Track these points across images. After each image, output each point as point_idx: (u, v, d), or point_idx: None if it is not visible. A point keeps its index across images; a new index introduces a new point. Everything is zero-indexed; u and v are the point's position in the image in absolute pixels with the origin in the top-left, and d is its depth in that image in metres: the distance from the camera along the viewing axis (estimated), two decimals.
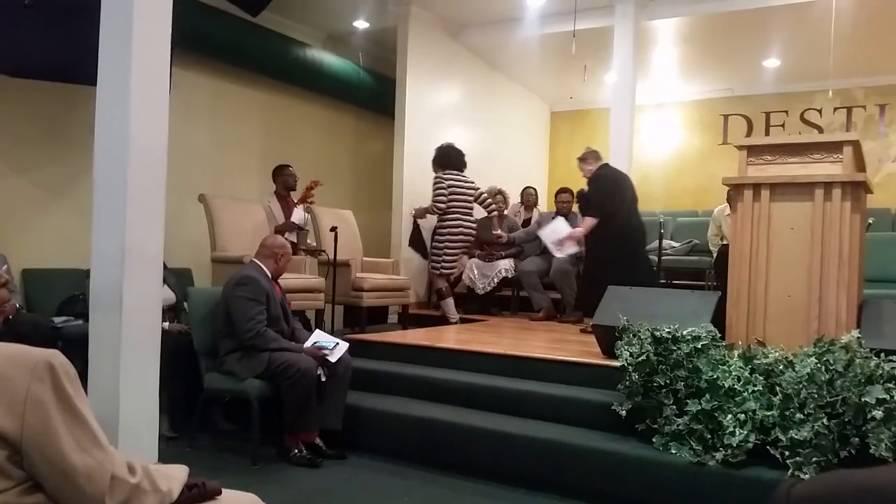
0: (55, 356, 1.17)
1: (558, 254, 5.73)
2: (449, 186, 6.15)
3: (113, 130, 3.17)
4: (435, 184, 6.21)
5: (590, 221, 5.28)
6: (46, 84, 5.01)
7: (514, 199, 7.73)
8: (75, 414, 1.17)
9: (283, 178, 5.72)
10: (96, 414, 1.24)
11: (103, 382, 3.04)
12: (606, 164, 5.59)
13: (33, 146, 5.17)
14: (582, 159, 5.62)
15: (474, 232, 6.38)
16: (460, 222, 6.21)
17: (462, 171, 6.34)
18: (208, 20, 5.99)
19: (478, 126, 8.30)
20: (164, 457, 3.34)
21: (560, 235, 5.65)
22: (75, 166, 5.14)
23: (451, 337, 5.05)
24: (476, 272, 6.63)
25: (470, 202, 6.32)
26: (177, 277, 4.74)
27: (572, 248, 5.66)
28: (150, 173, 3.22)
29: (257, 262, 3.99)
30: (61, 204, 5.23)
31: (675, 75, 8.66)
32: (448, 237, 6.18)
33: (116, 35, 3.16)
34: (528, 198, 7.54)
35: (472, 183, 6.42)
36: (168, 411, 3.99)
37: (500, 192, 6.97)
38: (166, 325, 4.10)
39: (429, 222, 6.66)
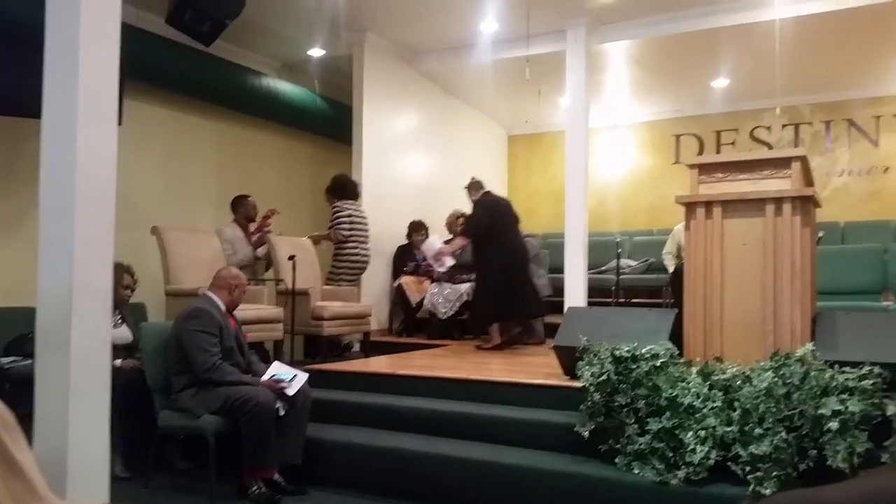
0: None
1: (438, 267, 6.36)
2: (349, 215, 6.25)
3: (59, 164, 3.08)
4: (335, 212, 6.27)
5: (460, 241, 6.13)
6: None
7: None
8: (11, 464, 1.11)
9: (243, 209, 5.68)
10: (43, 457, 1.19)
11: (51, 424, 2.92)
12: (488, 192, 6.14)
13: None
14: (467, 188, 6.22)
15: (369, 259, 6.46)
16: (358, 250, 6.31)
17: (356, 201, 6.45)
18: (160, 50, 5.92)
19: (435, 151, 8.34)
20: (119, 498, 3.22)
21: (435, 251, 6.35)
22: (22, 201, 4.99)
23: (414, 363, 5.01)
24: (438, 297, 6.61)
25: (366, 231, 6.44)
26: (133, 314, 4.62)
27: (450, 261, 6.30)
28: (99, 207, 3.14)
29: (210, 294, 3.91)
30: (8, 240, 5.08)
31: (628, 97, 8.83)
32: (346, 264, 6.27)
33: (62, 66, 3.09)
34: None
35: (365, 212, 6.55)
36: (122, 451, 3.86)
37: (462, 215, 6.99)
38: (118, 362, 3.99)
39: None
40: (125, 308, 4.48)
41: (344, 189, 6.39)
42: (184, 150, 6.60)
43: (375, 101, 7.22)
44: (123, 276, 4.42)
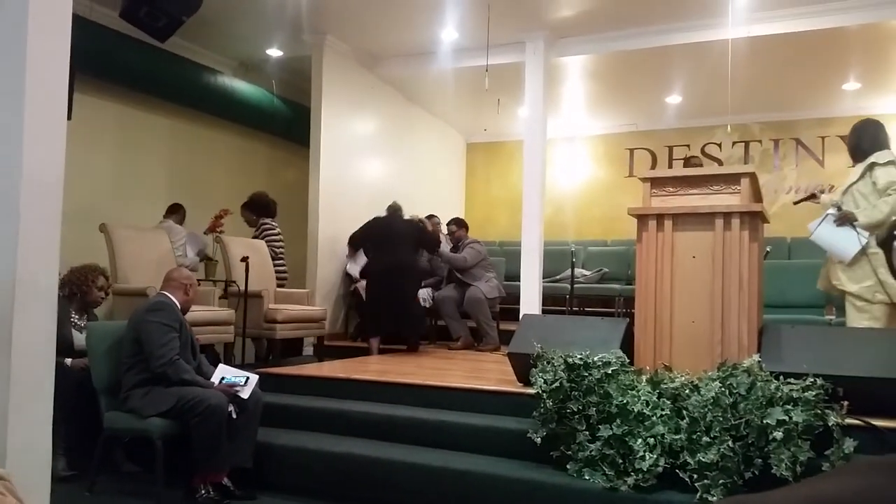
0: None
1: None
2: (278, 233, 6.36)
3: (4, 158, 2.98)
4: (266, 229, 6.29)
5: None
6: None
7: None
8: None
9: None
10: None
11: None
12: (389, 213, 6.54)
13: None
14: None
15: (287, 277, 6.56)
16: (284, 268, 6.44)
17: (274, 219, 6.55)
18: (114, 45, 5.80)
19: (394, 157, 8.33)
20: (62, 501, 3.12)
21: None
22: None
23: (369, 368, 4.97)
24: None
25: (283, 248, 6.54)
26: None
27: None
28: (45, 202, 3.04)
29: (166, 293, 3.83)
30: None
31: (584, 110, 8.97)
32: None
33: (9, 57, 2.99)
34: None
35: None
36: (66, 451, 3.75)
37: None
38: (69, 361, 3.87)
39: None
40: (93, 314, 4.37)
41: (267, 208, 6.43)
42: (136, 146, 6.46)
43: (334, 104, 7.17)
44: (98, 277, 4.30)
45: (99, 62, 5.61)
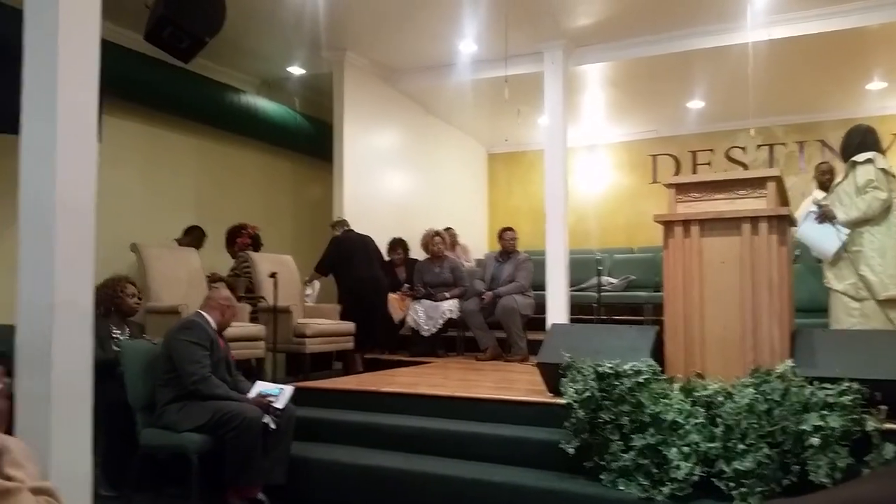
0: None
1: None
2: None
3: (39, 181, 3.06)
4: (245, 262, 6.04)
5: (313, 273, 6.59)
6: None
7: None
8: (4, 491, 1.08)
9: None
10: None
11: (33, 443, 2.85)
12: (346, 231, 6.65)
13: None
14: (331, 226, 6.80)
15: None
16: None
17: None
18: (139, 67, 5.90)
19: (416, 169, 8.38)
20: None
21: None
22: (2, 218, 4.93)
23: (398, 381, 4.98)
24: (421, 314, 6.60)
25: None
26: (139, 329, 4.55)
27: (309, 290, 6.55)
28: (79, 224, 3.11)
29: (203, 313, 3.88)
30: None
31: (605, 118, 8.96)
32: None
33: (41, 83, 3.07)
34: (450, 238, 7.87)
35: None
36: (106, 470, 3.80)
37: (437, 233, 7.01)
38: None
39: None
40: (132, 324, 4.41)
41: (254, 241, 6.35)
42: (163, 166, 6.56)
43: (356, 119, 7.24)
44: (126, 286, 4.35)
45: (125, 84, 5.72)
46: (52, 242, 3.00)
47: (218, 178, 7.10)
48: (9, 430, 1.51)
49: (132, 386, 3.72)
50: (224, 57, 6.83)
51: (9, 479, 1.14)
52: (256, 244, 6.26)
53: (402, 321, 6.75)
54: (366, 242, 6.69)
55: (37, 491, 1.20)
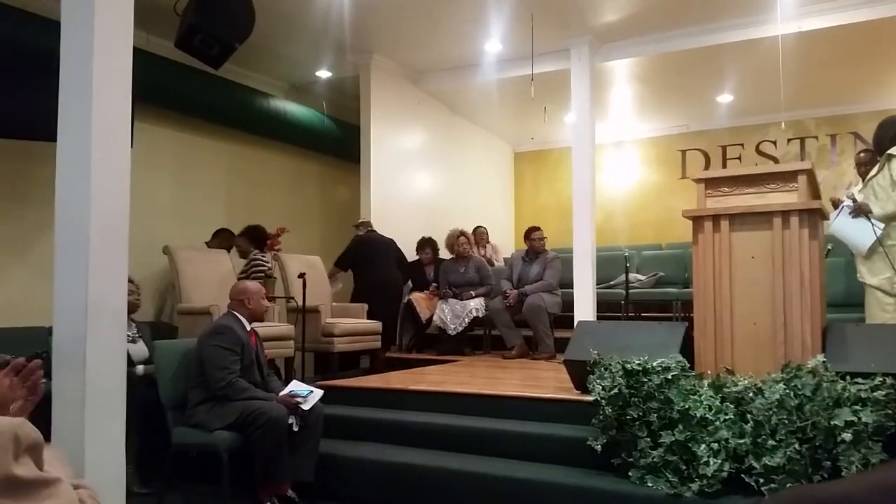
0: (21, 426, 1.12)
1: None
2: (269, 268, 6.12)
3: (74, 186, 3.14)
4: (255, 263, 5.99)
5: (332, 268, 6.72)
6: (3, 141, 4.96)
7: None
8: (40, 484, 1.12)
9: None
10: None
11: (67, 440, 2.95)
12: (369, 231, 6.79)
13: None
14: (355, 226, 6.94)
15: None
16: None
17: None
18: (171, 74, 6.01)
19: (443, 169, 8.40)
20: None
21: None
22: (34, 223, 5.06)
23: (425, 379, 5.01)
24: (447, 313, 6.63)
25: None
26: (147, 330, 4.65)
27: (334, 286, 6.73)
28: (113, 227, 3.19)
29: (232, 311, 3.95)
30: (21, 261, 5.13)
31: (633, 114, 8.89)
32: None
33: (76, 91, 3.15)
34: (480, 237, 7.95)
35: None
36: (138, 467, 3.88)
37: (462, 233, 7.04)
38: (140, 368, 4.02)
39: None
40: (136, 324, 4.50)
41: (262, 240, 6.33)
42: (193, 170, 6.67)
43: (382, 120, 7.30)
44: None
45: (157, 91, 5.83)
46: (87, 246, 3.09)
47: (247, 182, 7.20)
48: None
49: (165, 385, 3.80)
50: (252, 62, 6.93)
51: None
52: (259, 241, 6.22)
53: (429, 320, 6.78)
54: (387, 244, 6.81)
55: (76, 486, 1.23)
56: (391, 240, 6.87)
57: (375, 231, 6.83)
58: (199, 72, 6.02)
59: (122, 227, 3.24)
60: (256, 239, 6.20)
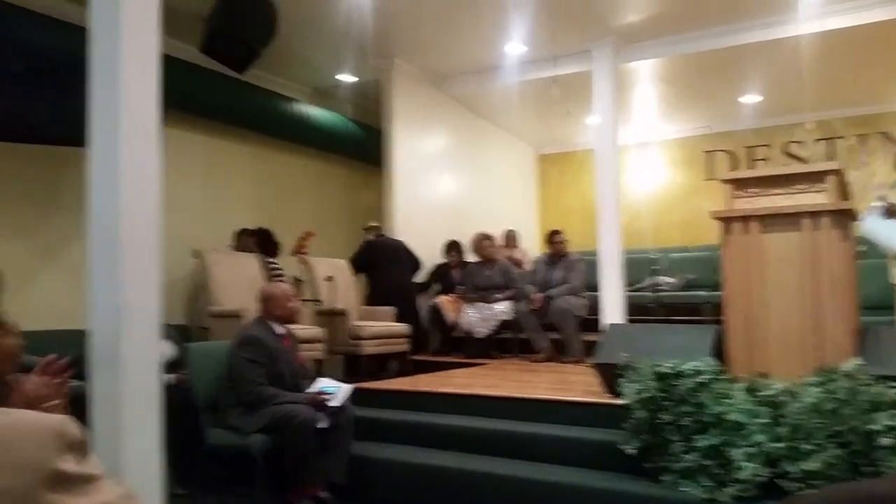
0: (65, 423, 1.14)
1: None
2: (282, 272, 6.15)
3: (106, 192, 3.18)
4: (275, 268, 6.09)
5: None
6: (33, 147, 5.04)
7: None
8: (85, 480, 1.13)
9: None
10: None
11: (106, 442, 2.98)
12: (379, 235, 6.86)
13: (23, 209, 5.17)
14: (364, 229, 7.01)
15: None
16: None
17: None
18: (196, 79, 6.07)
19: (467, 172, 8.41)
20: None
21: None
22: (66, 228, 5.13)
23: (453, 382, 5.01)
24: (474, 316, 6.62)
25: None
26: (177, 332, 4.69)
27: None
28: (145, 232, 3.23)
29: (262, 316, 3.98)
30: (53, 265, 5.20)
31: (656, 115, 8.83)
32: None
33: (106, 98, 3.19)
34: (510, 240, 8.02)
35: None
36: (174, 468, 3.92)
37: (486, 236, 7.03)
38: (172, 377, 4.06)
39: None
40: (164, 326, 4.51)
41: (271, 246, 6.36)
42: (220, 174, 6.74)
43: (405, 124, 7.32)
44: None
45: (183, 96, 5.88)
46: (120, 250, 3.12)
47: (273, 185, 7.26)
48: None
49: (197, 387, 3.84)
50: (276, 67, 6.98)
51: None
52: (266, 246, 6.22)
53: (456, 323, 6.78)
54: (398, 247, 6.82)
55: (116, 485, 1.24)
56: (401, 242, 6.88)
57: (385, 235, 6.87)
58: (225, 77, 6.08)
59: (153, 231, 3.27)
60: (264, 243, 6.20)
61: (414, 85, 7.49)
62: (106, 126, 3.19)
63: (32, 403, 1.61)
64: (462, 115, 8.39)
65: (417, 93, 7.54)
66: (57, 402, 1.68)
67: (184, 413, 3.88)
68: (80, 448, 1.13)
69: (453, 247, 7.26)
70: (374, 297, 6.63)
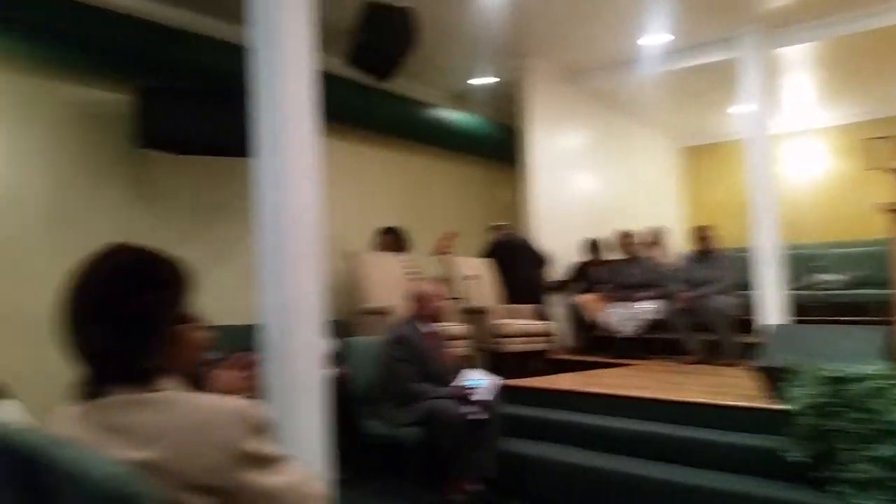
0: (249, 407, 1.25)
1: None
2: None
3: (273, 201, 3.43)
4: (409, 267, 6.00)
5: None
6: (205, 159, 5.49)
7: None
8: (272, 460, 1.23)
9: None
10: None
11: (278, 430, 3.21)
12: (506, 234, 6.88)
13: (197, 216, 5.64)
14: (491, 228, 7.07)
15: None
16: None
17: None
18: (343, 90, 6.36)
19: (604, 168, 8.27)
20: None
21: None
22: (231, 233, 5.56)
23: (600, 382, 4.95)
24: (617, 316, 6.49)
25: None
26: (339, 328, 4.95)
27: None
28: (307, 235, 3.46)
29: (410, 315, 4.13)
30: (224, 267, 5.62)
31: (811, 102, 8.29)
32: None
33: (269, 113, 3.44)
34: (657, 237, 7.64)
35: None
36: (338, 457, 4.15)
37: (630, 234, 6.89)
38: (336, 370, 4.29)
39: None
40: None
41: (402, 243, 6.35)
42: (367, 180, 7.03)
43: (541, 122, 7.31)
44: None
45: (332, 107, 6.17)
46: (286, 253, 3.37)
47: (415, 188, 7.49)
48: None
49: (355, 379, 4.04)
50: (414, 74, 7.17)
51: None
52: (394, 244, 6.30)
53: (598, 323, 6.68)
54: (524, 246, 6.81)
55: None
56: (528, 240, 6.88)
57: (512, 233, 6.89)
58: (368, 87, 6.32)
59: (315, 235, 3.50)
60: (399, 239, 6.30)
61: (549, 82, 7.46)
62: (270, 138, 3.44)
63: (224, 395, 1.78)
64: (599, 110, 8.26)
65: (553, 90, 7.50)
66: (248, 394, 1.83)
67: (343, 404, 4.10)
68: (264, 431, 1.24)
69: (593, 245, 7.17)
70: (504, 294, 6.68)
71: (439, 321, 4.24)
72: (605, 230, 7.36)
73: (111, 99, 5.35)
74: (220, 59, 5.34)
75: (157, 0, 5.43)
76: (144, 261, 1.28)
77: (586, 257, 7.21)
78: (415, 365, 3.92)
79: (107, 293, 1.21)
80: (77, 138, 5.24)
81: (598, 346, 6.83)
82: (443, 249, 5.89)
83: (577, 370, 5.76)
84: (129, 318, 1.21)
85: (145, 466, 1.07)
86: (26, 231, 4.95)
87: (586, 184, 8.00)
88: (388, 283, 5.29)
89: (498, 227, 7.02)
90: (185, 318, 1.31)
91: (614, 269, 6.81)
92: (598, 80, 7.75)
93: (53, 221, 5.06)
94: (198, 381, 1.69)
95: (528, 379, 5.13)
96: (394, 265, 5.61)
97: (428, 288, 4.29)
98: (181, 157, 5.43)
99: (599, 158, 8.19)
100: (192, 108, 5.18)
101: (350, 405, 4.07)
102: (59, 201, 5.13)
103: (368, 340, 4.30)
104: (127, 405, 1.19)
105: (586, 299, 6.77)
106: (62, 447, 1.06)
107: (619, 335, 6.46)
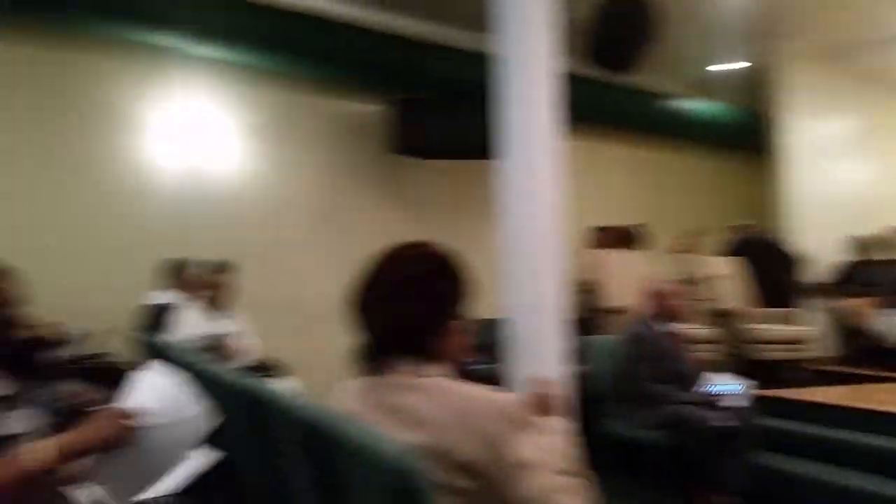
0: (517, 404, 1.26)
1: None
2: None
3: (516, 200, 3.53)
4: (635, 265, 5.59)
5: None
6: (445, 162, 5.80)
7: None
8: (530, 463, 1.24)
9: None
10: None
11: None
12: (753, 233, 6.39)
13: (441, 214, 5.97)
14: (734, 228, 6.59)
15: None
16: None
17: None
18: (577, 87, 6.31)
19: (876, 157, 7.36)
20: None
21: None
22: (474, 231, 5.78)
23: (871, 397, 4.39)
24: (882, 323, 5.75)
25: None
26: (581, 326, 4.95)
27: None
28: (550, 234, 3.52)
29: (649, 314, 4.00)
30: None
31: None
32: None
33: (515, 117, 3.56)
34: None
35: None
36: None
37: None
38: (579, 367, 4.31)
39: None
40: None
41: (627, 240, 5.94)
42: (601, 176, 6.94)
43: (799, 108, 6.79)
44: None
45: (569, 106, 6.19)
46: (531, 252, 3.50)
47: (650, 182, 7.29)
48: None
49: (594, 377, 4.01)
50: (650, 63, 6.91)
51: None
52: (628, 241, 5.98)
53: (866, 330, 5.95)
54: (774, 246, 6.40)
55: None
56: (775, 239, 6.39)
57: (760, 231, 6.44)
58: (603, 82, 6.22)
59: (558, 234, 3.54)
60: (622, 238, 5.99)
61: (808, 64, 6.85)
62: (515, 141, 3.55)
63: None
64: (868, 92, 7.38)
65: (813, 72, 6.87)
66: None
67: (584, 401, 4.09)
68: (527, 429, 1.26)
69: (861, 243, 6.40)
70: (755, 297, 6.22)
71: (678, 320, 4.05)
72: (874, 226, 6.55)
73: (366, 110, 5.88)
74: (462, 68, 5.61)
75: (403, 14, 5.80)
76: (444, 255, 1.41)
77: (854, 257, 6.46)
78: (652, 364, 3.79)
79: (411, 275, 1.35)
80: (337, 147, 5.84)
81: (865, 356, 6.08)
82: (683, 247, 5.61)
83: (840, 383, 5.16)
84: (430, 298, 1.34)
85: (416, 448, 1.15)
86: (296, 230, 5.61)
87: (853, 175, 7.17)
88: (627, 282, 5.17)
89: (739, 227, 6.57)
90: (463, 315, 1.39)
91: (887, 270, 6.02)
92: (866, 58, 6.92)
93: (318, 221, 5.68)
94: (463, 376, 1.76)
95: (790, 390, 4.70)
96: (635, 264, 5.47)
97: (666, 286, 4.12)
98: (428, 161, 5.79)
99: (869, 146, 7.31)
100: (438, 115, 5.52)
101: (589, 403, 4.03)
102: (323, 203, 5.74)
103: (607, 339, 4.25)
104: (401, 387, 1.29)
105: (853, 304, 6.07)
106: (350, 424, 1.15)
107: (891, 345, 5.71)
